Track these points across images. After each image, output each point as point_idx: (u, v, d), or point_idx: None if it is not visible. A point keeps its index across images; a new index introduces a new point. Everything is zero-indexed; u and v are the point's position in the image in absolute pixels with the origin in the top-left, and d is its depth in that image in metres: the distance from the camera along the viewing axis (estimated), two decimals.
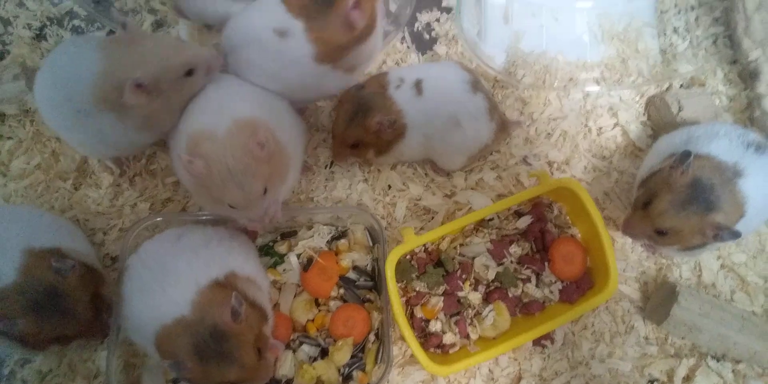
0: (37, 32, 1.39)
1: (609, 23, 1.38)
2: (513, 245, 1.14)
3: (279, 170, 0.97)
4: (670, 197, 0.98)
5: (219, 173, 0.88)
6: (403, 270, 1.10)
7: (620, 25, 1.37)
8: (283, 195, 1.05)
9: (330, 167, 1.25)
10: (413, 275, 1.11)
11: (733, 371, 1.11)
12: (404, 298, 1.10)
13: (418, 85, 1.09)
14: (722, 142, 1.04)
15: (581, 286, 1.12)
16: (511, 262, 1.14)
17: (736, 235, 0.95)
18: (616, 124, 1.30)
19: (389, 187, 1.24)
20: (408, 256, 1.12)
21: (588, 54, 1.36)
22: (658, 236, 1.02)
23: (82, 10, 1.39)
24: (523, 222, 1.16)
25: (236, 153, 0.88)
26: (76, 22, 1.40)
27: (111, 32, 1.37)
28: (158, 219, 1.09)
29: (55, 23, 1.40)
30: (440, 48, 1.36)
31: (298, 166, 1.09)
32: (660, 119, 1.26)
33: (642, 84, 1.32)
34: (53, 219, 1.11)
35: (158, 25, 1.35)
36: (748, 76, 1.32)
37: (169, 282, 0.92)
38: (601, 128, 1.30)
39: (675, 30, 1.39)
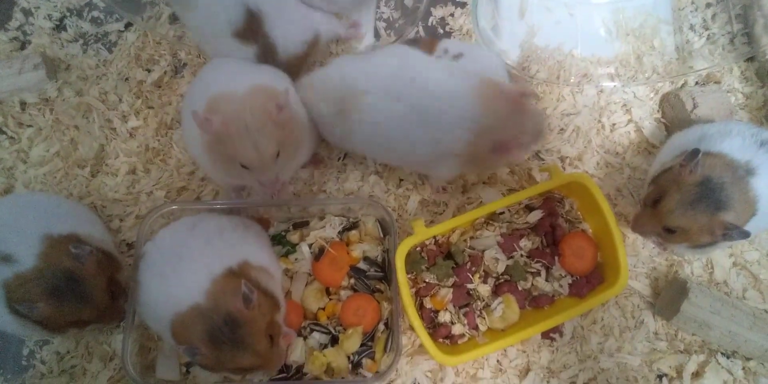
0: (57, 23, 1.41)
1: (624, 19, 1.37)
2: (523, 239, 1.15)
3: (292, 138, 1.00)
4: (679, 196, 0.98)
5: (236, 129, 0.91)
6: (413, 261, 1.11)
7: (636, 21, 1.37)
8: (293, 169, 1.08)
9: (343, 159, 1.26)
10: (423, 267, 1.12)
11: (743, 368, 1.11)
12: (414, 289, 1.11)
13: (456, 58, 1.13)
14: (735, 140, 1.04)
15: (591, 281, 1.12)
16: (521, 255, 1.14)
17: (745, 234, 0.94)
18: (629, 121, 1.29)
19: (401, 180, 1.24)
20: (418, 248, 1.13)
21: (603, 50, 1.35)
22: (667, 234, 1.02)
23: (100, 1, 1.41)
24: (534, 216, 1.16)
25: (255, 111, 0.92)
26: (95, 13, 1.42)
27: (129, 24, 1.39)
28: (173, 207, 1.11)
29: (75, 14, 1.42)
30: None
31: (309, 147, 1.11)
32: (674, 116, 1.26)
33: (657, 81, 1.31)
34: (71, 206, 1.13)
35: (175, 18, 1.36)
36: (765, 74, 1.31)
37: (184, 270, 0.94)
38: (614, 124, 1.30)
39: (691, 27, 1.38)
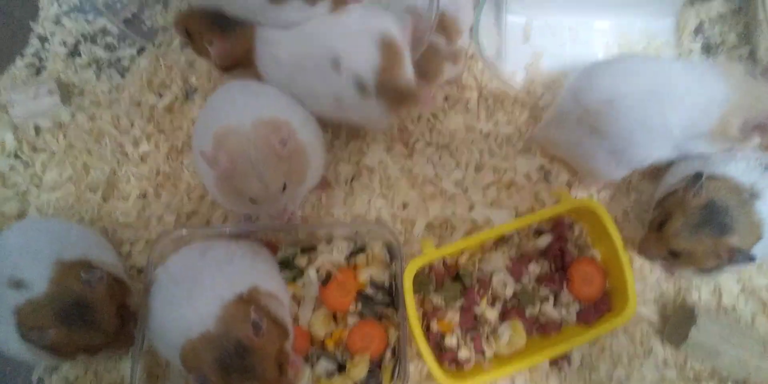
0: (72, 49, 1.44)
1: (628, 43, 1.38)
2: (532, 263, 1.15)
3: (298, 169, 1.01)
4: (683, 219, 0.98)
5: (242, 165, 0.93)
6: (421, 282, 1.11)
7: (639, 45, 1.38)
8: (300, 197, 1.09)
9: (350, 182, 1.28)
10: (431, 288, 1.12)
11: None
12: (421, 311, 1.11)
13: None
14: (740, 164, 1.04)
15: (599, 308, 1.12)
16: (530, 280, 1.14)
17: (751, 258, 0.95)
18: None
19: (405, 205, 1.25)
20: (426, 269, 1.14)
21: None
22: (673, 258, 1.02)
23: (114, 27, 1.44)
24: (543, 241, 1.17)
25: (259, 146, 0.93)
26: (108, 39, 1.45)
27: (141, 50, 1.42)
28: (183, 232, 1.12)
29: (89, 40, 1.45)
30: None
31: (316, 172, 1.12)
32: None
33: None
34: (82, 231, 1.14)
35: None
36: None
37: (195, 296, 0.95)
38: None
39: (692, 51, 1.39)
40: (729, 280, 1.18)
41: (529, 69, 1.36)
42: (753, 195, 0.99)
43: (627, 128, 1.06)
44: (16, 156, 1.32)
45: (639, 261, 1.19)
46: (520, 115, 1.33)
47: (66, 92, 1.36)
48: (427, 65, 1.19)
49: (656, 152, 1.09)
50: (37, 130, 1.34)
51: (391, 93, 1.06)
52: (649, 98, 1.04)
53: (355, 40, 1.03)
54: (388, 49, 1.03)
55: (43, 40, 1.45)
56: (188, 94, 1.37)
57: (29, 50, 1.44)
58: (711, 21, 1.42)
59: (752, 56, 1.36)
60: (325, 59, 1.03)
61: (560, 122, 1.15)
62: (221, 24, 1.06)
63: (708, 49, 1.39)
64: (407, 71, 1.07)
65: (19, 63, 1.42)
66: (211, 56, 1.09)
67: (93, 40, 1.45)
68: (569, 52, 1.38)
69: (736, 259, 0.95)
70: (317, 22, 1.05)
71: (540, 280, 1.14)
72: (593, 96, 1.07)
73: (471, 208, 1.24)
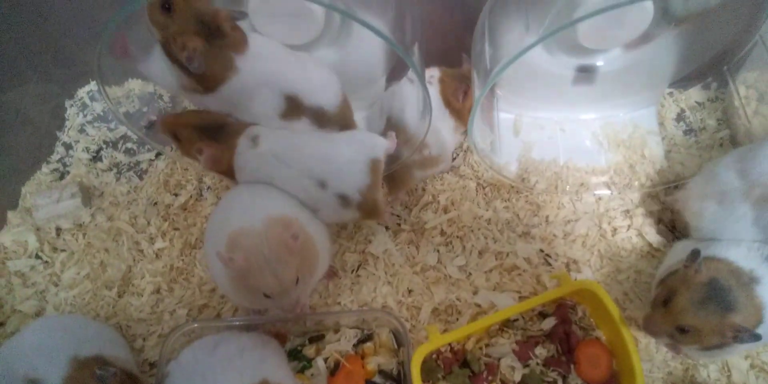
0: (94, 154, 1.55)
1: (613, 132, 1.47)
2: (538, 347, 1.16)
3: (309, 262, 1.05)
4: (689, 294, 0.99)
5: (257, 263, 0.96)
6: (429, 369, 1.11)
7: (624, 133, 1.47)
8: (310, 288, 1.12)
9: (356, 271, 1.32)
10: (439, 375, 1.12)
11: None
12: None
13: None
14: (741, 250, 1.07)
15: None
16: (537, 363, 1.14)
17: (756, 337, 0.94)
18: (629, 226, 1.35)
19: (410, 291, 1.29)
20: (434, 355, 1.15)
21: (596, 160, 1.44)
22: (680, 335, 1.02)
23: (134, 134, 1.56)
24: (548, 323, 1.18)
25: (272, 244, 0.97)
26: (129, 144, 1.56)
27: (159, 153, 1.52)
28: (195, 325, 1.14)
29: (111, 146, 1.56)
30: (456, 160, 1.47)
31: (325, 263, 1.16)
32: (681, 221, 1.30)
33: (651, 187, 1.39)
34: (98, 327, 1.18)
35: None
36: None
37: None
38: (615, 229, 1.35)
39: (675, 136, 1.48)
40: (737, 357, 1.17)
41: (521, 159, 1.45)
42: (753, 279, 1.01)
43: None
44: (37, 256, 1.38)
45: (644, 340, 1.20)
46: (517, 201, 1.39)
47: (87, 195, 1.45)
48: (395, 175, 1.33)
49: None
50: (59, 231, 1.41)
51: (370, 208, 1.17)
52: None
53: (347, 166, 1.14)
54: (375, 170, 1.15)
55: (67, 147, 1.57)
56: (202, 192, 1.46)
57: (54, 157, 1.55)
58: (691, 109, 1.53)
59: (732, 140, 1.44)
60: (310, 179, 1.13)
61: (714, 195, 1.17)
62: (210, 133, 1.14)
63: (690, 134, 1.48)
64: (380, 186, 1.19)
65: (45, 169, 1.53)
66: (199, 161, 1.15)
67: (114, 146, 1.57)
68: (558, 142, 1.47)
69: (741, 338, 0.95)
70: (307, 140, 1.15)
71: (547, 363, 1.14)
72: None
73: (475, 292, 1.27)
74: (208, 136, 1.13)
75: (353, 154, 1.14)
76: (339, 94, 1.19)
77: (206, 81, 1.06)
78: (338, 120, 1.20)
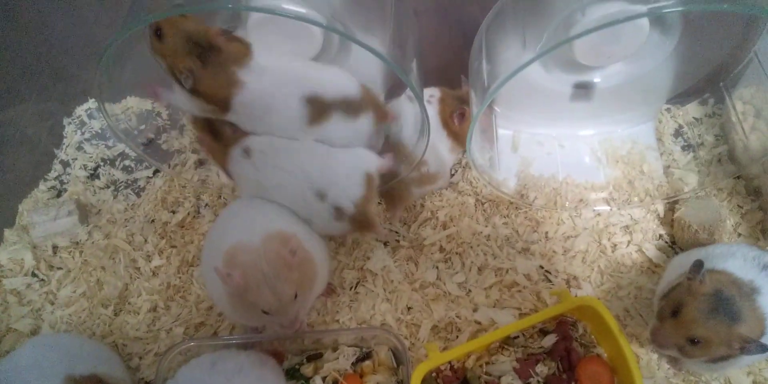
0: (92, 172, 1.55)
1: (612, 148, 1.48)
2: (539, 364, 1.14)
3: (308, 277, 1.05)
4: (697, 305, 0.98)
5: (254, 279, 0.95)
6: None
7: (623, 149, 1.47)
8: (308, 304, 1.12)
9: (354, 288, 1.31)
10: None
11: None
12: None
13: None
14: (737, 261, 1.07)
15: None
16: (538, 381, 1.13)
17: (763, 348, 0.93)
18: (629, 242, 1.34)
19: (409, 308, 1.27)
20: (434, 374, 1.13)
21: (595, 176, 1.44)
22: (690, 346, 1.01)
23: (132, 152, 1.56)
24: (549, 340, 1.17)
25: (270, 260, 0.96)
26: (126, 162, 1.56)
27: (157, 171, 1.52)
28: (191, 344, 1.13)
29: (108, 163, 1.56)
30: (455, 176, 1.47)
31: (324, 279, 1.16)
32: (682, 236, 1.31)
33: (650, 203, 1.38)
34: (93, 346, 1.16)
35: (200, 163, 1.50)
36: (753, 191, 1.39)
37: None
38: (615, 245, 1.35)
39: (673, 152, 1.48)
40: (739, 373, 1.16)
41: (520, 175, 1.45)
42: (753, 290, 1.00)
43: None
44: (33, 274, 1.37)
45: (646, 357, 1.19)
46: (516, 217, 1.39)
47: (84, 212, 1.44)
48: (394, 192, 1.33)
49: None
50: (55, 248, 1.40)
51: (362, 221, 1.18)
52: None
53: (346, 177, 1.15)
54: (369, 184, 1.16)
55: (65, 164, 1.57)
56: (199, 209, 1.45)
57: (52, 174, 1.55)
58: (689, 124, 1.53)
59: (730, 155, 1.45)
60: (310, 189, 1.13)
61: None
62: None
63: (689, 150, 1.48)
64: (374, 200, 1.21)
65: (42, 186, 1.52)
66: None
67: (112, 163, 1.57)
68: (557, 158, 1.47)
69: (748, 349, 0.94)
70: (308, 148, 1.15)
71: (548, 381, 1.12)
72: None
73: (475, 309, 1.26)
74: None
75: (352, 165, 1.15)
76: (354, 80, 1.16)
77: (214, 99, 1.05)
78: (368, 103, 1.17)
